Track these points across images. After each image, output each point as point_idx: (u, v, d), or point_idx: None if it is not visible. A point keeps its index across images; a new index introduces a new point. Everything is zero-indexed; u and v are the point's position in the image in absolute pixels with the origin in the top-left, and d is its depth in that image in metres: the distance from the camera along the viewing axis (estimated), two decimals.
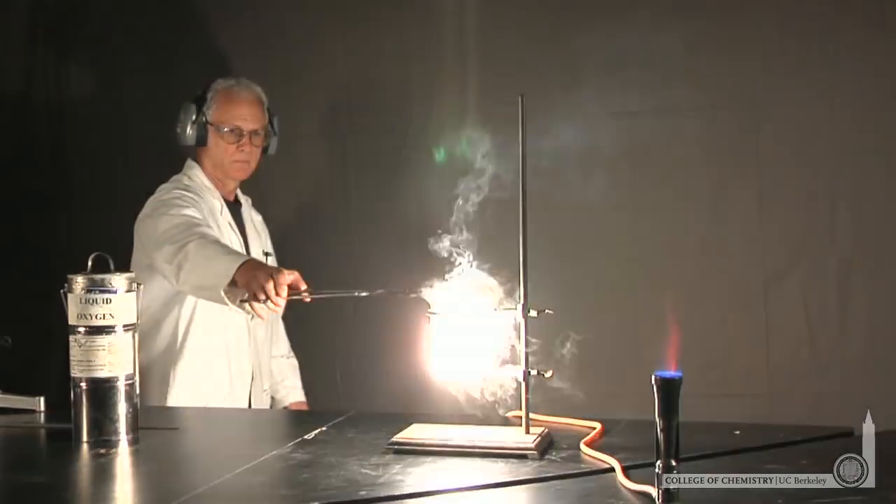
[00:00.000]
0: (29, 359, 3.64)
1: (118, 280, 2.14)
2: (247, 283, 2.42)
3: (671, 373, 1.60)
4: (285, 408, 3.27)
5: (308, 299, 2.43)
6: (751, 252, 3.22)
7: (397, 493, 1.76)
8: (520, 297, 2.04)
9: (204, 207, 2.92)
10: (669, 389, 1.59)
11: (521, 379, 2.05)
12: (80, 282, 2.13)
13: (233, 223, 3.05)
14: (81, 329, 2.14)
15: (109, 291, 2.13)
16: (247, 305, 2.44)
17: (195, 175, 3.03)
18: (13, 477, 1.99)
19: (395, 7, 3.48)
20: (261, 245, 3.15)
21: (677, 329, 1.77)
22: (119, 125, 3.71)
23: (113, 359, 2.13)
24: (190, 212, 2.82)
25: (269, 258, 3.09)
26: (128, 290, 2.16)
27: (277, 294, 2.35)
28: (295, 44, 3.58)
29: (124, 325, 2.15)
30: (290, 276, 2.38)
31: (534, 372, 2.04)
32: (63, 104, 3.76)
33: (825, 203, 3.18)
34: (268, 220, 3.32)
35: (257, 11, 3.61)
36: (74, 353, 2.14)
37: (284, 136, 3.19)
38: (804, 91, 3.17)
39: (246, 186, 3.22)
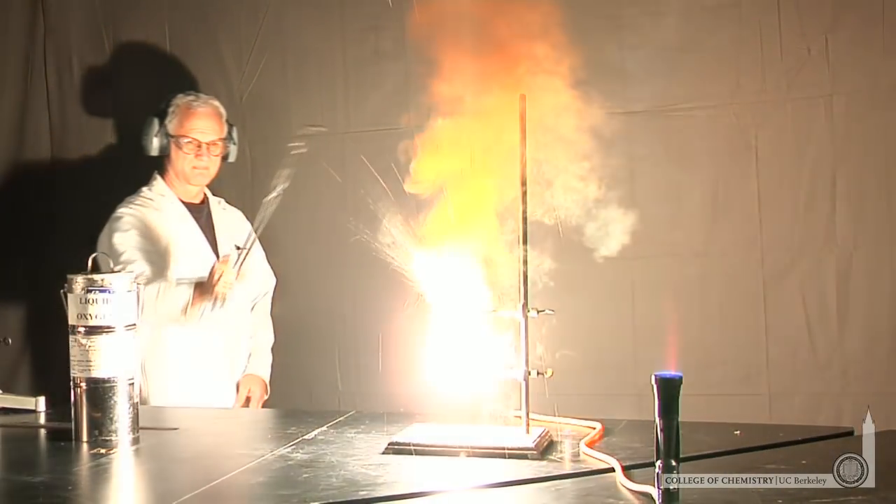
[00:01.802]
0: (29, 359, 3.65)
1: (118, 280, 2.14)
2: (201, 290, 2.97)
3: (671, 373, 1.60)
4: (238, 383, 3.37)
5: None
6: (750, 252, 3.22)
7: (397, 493, 1.76)
8: (520, 297, 2.04)
9: (159, 214, 3.20)
10: (669, 389, 1.59)
11: (521, 379, 2.05)
12: (79, 282, 2.13)
13: (194, 223, 3.27)
14: (81, 329, 2.14)
15: (109, 291, 2.13)
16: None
17: (155, 185, 3.28)
18: (13, 477, 1.99)
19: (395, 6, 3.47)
20: (229, 241, 3.31)
21: (677, 329, 1.78)
22: (120, 127, 3.71)
23: (113, 359, 2.14)
24: (132, 237, 3.11)
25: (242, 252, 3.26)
26: (127, 291, 2.16)
27: (225, 266, 2.90)
28: (293, 43, 3.57)
29: (124, 326, 2.15)
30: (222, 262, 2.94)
31: (534, 372, 2.04)
32: (64, 106, 3.76)
33: (825, 203, 3.18)
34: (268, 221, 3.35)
35: (257, 12, 3.61)
36: (74, 353, 2.15)
37: (284, 137, 3.22)
38: (804, 90, 3.17)
39: (245, 187, 3.27)
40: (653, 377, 1.60)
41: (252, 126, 3.50)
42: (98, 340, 2.13)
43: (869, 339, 3.15)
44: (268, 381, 3.39)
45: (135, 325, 2.18)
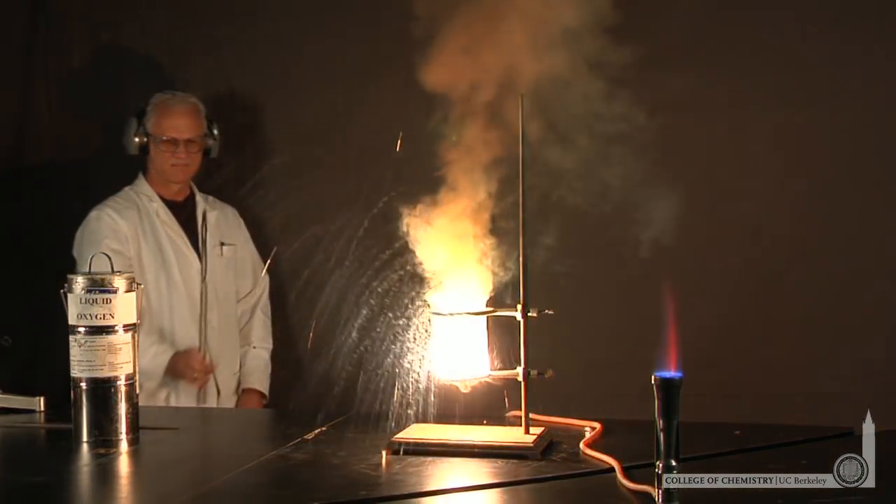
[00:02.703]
0: (29, 359, 3.65)
1: (118, 280, 2.14)
2: (174, 366, 3.11)
3: (671, 373, 1.60)
4: (239, 396, 3.39)
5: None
6: (751, 252, 3.22)
7: (397, 493, 1.76)
8: (520, 297, 2.04)
9: (137, 214, 3.22)
10: (669, 389, 1.59)
11: (521, 379, 2.05)
12: (80, 282, 2.13)
13: (174, 220, 3.28)
14: (81, 329, 2.14)
15: (109, 291, 2.13)
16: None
17: (137, 184, 3.31)
18: (13, 477, 1.99)
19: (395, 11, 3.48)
20: (213, 237, 3.34)
21: (677, 329, 1.78)
22: (118, 128, 3.71)
23: (113, 359, 2.13)
24: (103, 247, 3.03)
25: (225, 247, 3.33)
26: (128, 290, 2.16)
27: (204, 364, 3.13)
28: (293, 50, 3.58)
29: (124, 325, 2.15)
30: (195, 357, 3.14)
31: (534, 372, 2.04)
32: (63, 106, 3.76)
33: (825, 203, 3.18)
34: (267, 223, 3.35)
35: (256, 14, 3.61)
36: (74, 353, 2.14)
37: (285, 138, 3.23)
38: (803, 91, 3.17)
39: (246, 189, 3.29)
40: (653, 377, 1.60)
41: (251, 126, 3.50)
42: (98, 340, 2.13)
43: (868, 339, 3.15)
44: (266, 392, 3.39)
45: (135, 324, 2.18)
